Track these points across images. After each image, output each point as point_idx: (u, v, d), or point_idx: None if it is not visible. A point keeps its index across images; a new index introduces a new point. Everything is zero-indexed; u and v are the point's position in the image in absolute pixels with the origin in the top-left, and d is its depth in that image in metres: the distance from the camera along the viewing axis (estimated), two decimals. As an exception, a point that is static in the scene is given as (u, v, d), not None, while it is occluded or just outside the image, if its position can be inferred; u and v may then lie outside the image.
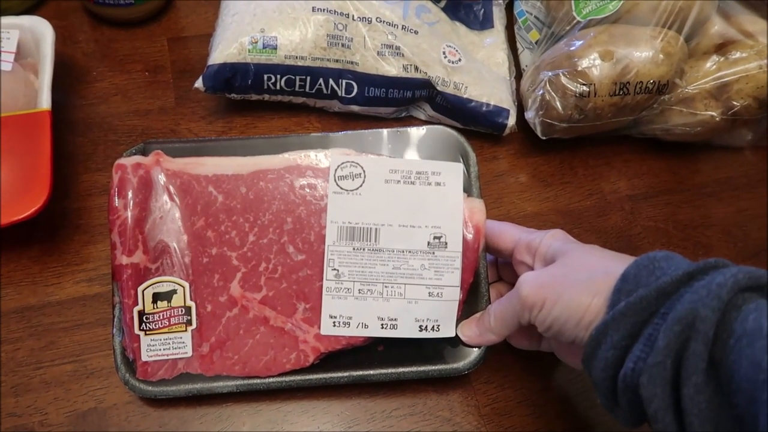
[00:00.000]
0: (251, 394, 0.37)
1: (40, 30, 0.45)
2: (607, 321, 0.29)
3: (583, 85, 0.45)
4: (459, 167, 0.39)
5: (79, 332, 0.39)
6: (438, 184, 0.39)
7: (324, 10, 0.46)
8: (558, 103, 0.46)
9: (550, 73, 0.46)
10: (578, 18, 0.47)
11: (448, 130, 0.41)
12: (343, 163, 0.39)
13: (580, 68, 0.45)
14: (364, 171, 0.39)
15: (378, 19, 0.47)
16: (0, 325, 0.38)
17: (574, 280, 0.32)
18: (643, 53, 0.45)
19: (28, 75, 0.43)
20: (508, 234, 0.38)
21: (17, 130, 0.40)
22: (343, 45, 0.46)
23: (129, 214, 0.37)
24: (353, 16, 0.47)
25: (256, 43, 0.45)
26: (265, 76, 0.46)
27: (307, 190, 0.39)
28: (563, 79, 0.45)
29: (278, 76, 0.46)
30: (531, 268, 0.36)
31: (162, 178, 0.38)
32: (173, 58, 0.52)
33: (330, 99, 0.48)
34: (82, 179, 0.45)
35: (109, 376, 0.37)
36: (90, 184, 0.44)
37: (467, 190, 0.40)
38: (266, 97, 0.48)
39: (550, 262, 0.34)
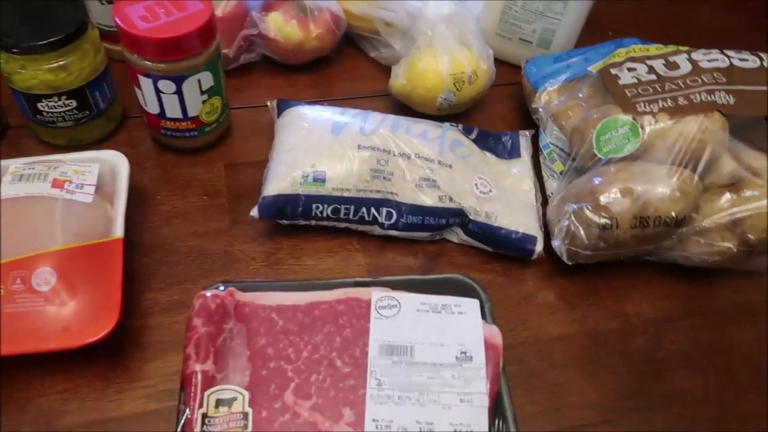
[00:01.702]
0: None
1: (117, 163, 0.51)
2: None
3: (605, 218, 0.49)
4: (476, 301, 0.46)
5: (137, 448, 0.41)
6: (460, 312, 0.46)
7: (368, 147, 0.52)
8: (582, 233, 0.50)
9: (575, 206, 0.50)
10: (599, 155, 0.52)
11: (466, 279, 0.48)
12: (382, 297, 0.46)
13: (602, 203, 0.49)
14: (399, 303, 0.46)
15: (417, 155, 0.52)
16: (65, 439, 0.41)
17: None
18: (660, 190, 0.49)
19: (105, 204, 0.48)
20: None
21: (94, 258, 0.45)
22: (384, 178, 0.51)
23: (204, 330, 0.42)
24: (394, 152, 0.52)
25: (308, 176, 0.50)
26: (314, 206, 0.51)
27: (353, 317, 0.44)
28: (587, 212, 0.49)
29: (325, 206, 0.51)
30: None
31: (233, 306, 0.44)
32: (229, 183, 0.57)
33: (371, 224, 0.52)
34: (144, 297, 0.49)
35: (165, 492, 0.40)
36: (152, 303, 0.48)
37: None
38: (313, 222, 0.52)
39: None
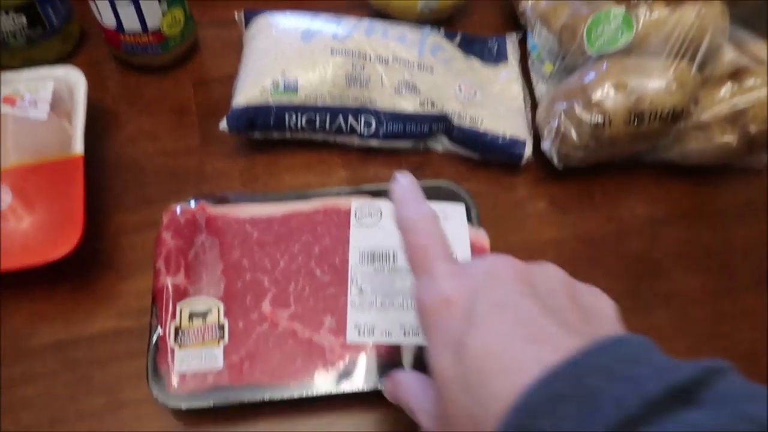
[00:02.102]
0: (280, 410, 0.38)
1: (74, 79, 0.48)
2: None
3: (598, 115, 0.46)
4: (461, 206, 0.45)
5: (111, 365, 0.40)
6: (445, 218, 0.44)
7: (342, 52, 0.48)
8: (574, 133, 0.47)
9: (565, 105, 0.47)
10: (590, 51, 0.48)
11: (451, 185, 0.46)
12: (362, 205, 0.44)
13: (594, 99, 0.46)
14: (380, 210, 0.44)
15: (395, 59, 0.49)
16: (36, 359, 0.40)
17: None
18: (656, 83, 0.46)
19: (63, 122, 0.45)
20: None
21: (52, 175, 0.42)
22: (361, 84, 0.48)
23: (174, 243, 0.40)
24: (370, 56, 0.49)
25: (278, 85, 0.47)
26: (287, 116, 0.48)
27: (332, 226, 0.43)
28: (578, 110, 0.46)
29: (299, 116, 0.48)
30: None
31: (205, 220, 0.42)
32: (198, 100, 0.54)
33: (349, 135, 0.49)
34: (113, 219, 0.46)
35: (141, 407, 0.38)
36: (121, 224, 0.46)
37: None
38: (288, 135, 0.49)
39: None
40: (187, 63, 0.56)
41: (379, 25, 0.51)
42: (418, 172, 0.50)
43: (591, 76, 0.48)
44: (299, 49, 0.48)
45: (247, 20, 0.53)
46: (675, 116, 0.47)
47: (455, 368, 0.23)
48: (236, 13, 0.55)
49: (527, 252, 0.46)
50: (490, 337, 0.23)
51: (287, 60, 0.48)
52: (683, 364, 0.19)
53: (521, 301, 0.24)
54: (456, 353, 0.24)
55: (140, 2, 0.48)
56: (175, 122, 0.52)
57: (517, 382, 0.21)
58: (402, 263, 0.41)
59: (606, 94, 0.46)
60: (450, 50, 0.53)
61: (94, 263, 0.44)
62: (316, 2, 0.63)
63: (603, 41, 0.48)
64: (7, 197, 0.40)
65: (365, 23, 0.51)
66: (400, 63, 0.49)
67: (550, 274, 0.27)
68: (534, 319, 0.23)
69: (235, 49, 0.57)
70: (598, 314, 0.25)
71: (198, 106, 0.53)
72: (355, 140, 0.50)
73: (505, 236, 0.47)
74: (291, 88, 0.47)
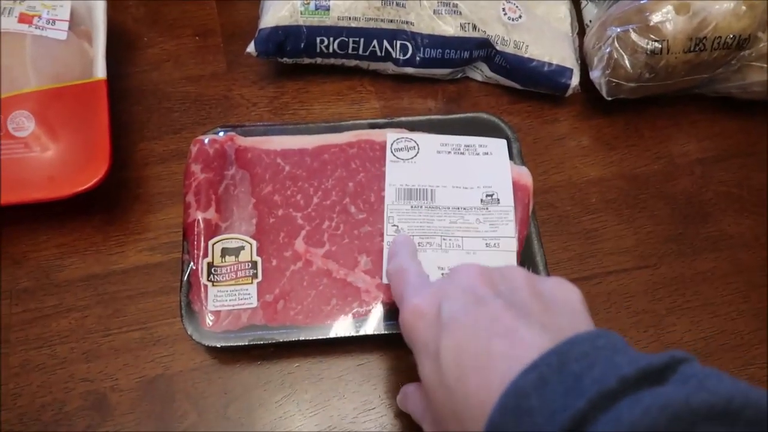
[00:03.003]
0: (315, 349, 0.38)
1: (91, -3, 0.45)
2: None
3: (655, 41, 0.42)
4: (503, 141, 0.42)
5: (144, 300, 0.39)
6: (486, 153, 0.41)
7: (378, -33, 0.44)
8: (627, 62, 0.43)
9: (618, 29, 0.43)
10: (650, -32, 0.44)
11: (492, 117, 0.43)
12: (398, 139, 0.42)
13: (651, 23, 0.42)
14: (417, 144, 0.41)
15: (433, -24, 0.45)
16: (68, 292, 0.39)
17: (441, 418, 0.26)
18: (723, 5, 0.42)
19: (83, 43, 0.43)
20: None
21: (74, 101, 0.40)
22: (397, 4, 0.44)
23: (203, 176, 0.39)
24: (408, -28, 0.45)
25: (308, 4, 0.44)
26: (318, 39, 0.44)
27: (367, 161, 0.41)
28: (633, 35, 0.43)
29: (331, 39, 0.44)
30: None
31: (234, 151, 0.40)
32: (222, 21, 0.51)
33: (384, 61, 0.46)
34: (138, 148, 0.45)
35: (175, 343, 0.38)
36: (147, 153, 0.44)
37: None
38: (318, 60, 0.46)
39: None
40: (209, -19, 0.53)
41: (417, -62, 0.47)
42: (454, 104, 0.48)
43: (650, -3, 0.43)
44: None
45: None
46: (740, 43, 0.43)
47: (435, 373, 0.25)
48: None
49: (569, 191, 0.44)
50: (460, 337, 0.25)
51: (318, -23, 0.44)
52: (653, 354, 0.21)
53: (485, 300, 0.26)
54: (434, 360, 0.25)
55: None
56: (199, 45, 0.49)
57: (491, 377, 0.22)
58: (440, 202, 0.39)
59: (666, 16, 0.42)
60: (493, -33, 0.48)
61: (122, 194, 0.43)
62: None
63: (665, -42, 0.44)
64: (30, 123, 0.38)
65: (402, -64, 0.46)
66: (439, -19, 0.45)
67: (511, 273, 0.28)
68: (499, 315, 0.25)
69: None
70: (563, 304, 0.27)
71: (223, 27, 0.50)
72: (389, 67, 0.47)
73: (545, 174, 0.45)
74: (323, 8, 0.44)
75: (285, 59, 0.46)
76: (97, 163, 0.38)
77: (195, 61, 0.49)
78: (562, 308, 0.26)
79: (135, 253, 0.41)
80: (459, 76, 0.48)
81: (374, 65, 0.47)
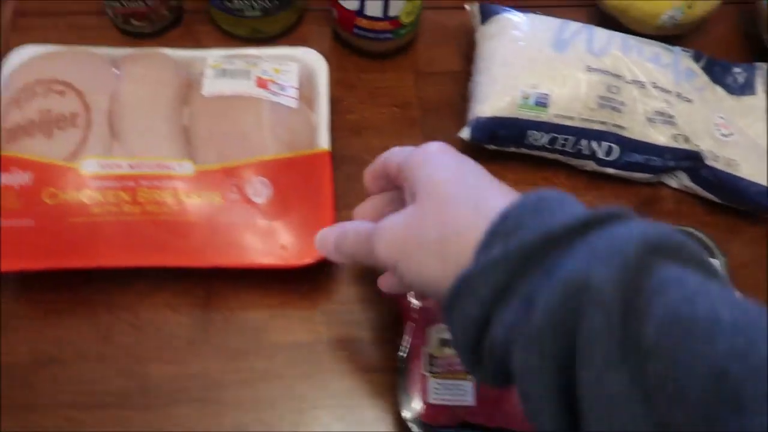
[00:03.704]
0: None
1: (314, 64, 0.46)
2: (474, 271, 0.24)
3: None
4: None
5: (351, 376, 0.40)
6: None
7: (599, 70, 0.45)
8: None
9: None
10: None
11: (700, 235, 0.43)
12: None
13: None
14: None
15: (652, 84, 0.45)
16: (276, 357, 0.40)
17: (423, 239, 0.27)
18: None
19: (308, 111, 0.44)
20: (398, 156, 0.32)
21: (304, 171, 0.41)
22: (613, 108, 0.45)
23: None
24: (627, 78, 0.45)
25: (528, 98, 0.44)
26: (530, 132, 0.45)
27: None
28: None
29: (543, 134, 0.45)
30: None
31: None
32: (419, 94, 0.52)
33: (585, 159, 0.47)
34: (340, 216, 0.45)
35: (382, 422, 0.38)
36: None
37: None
38: (522, 150, 0.47)
39: (416, 200, 0.28)
40: (407, 50, 0.54)
41: (632, 41, 0.47)
42: (646, 207, 0.48)
43: None
44: (551, 60, 0.45)
45: (484, 15, 0.50)
46: None
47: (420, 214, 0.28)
48: (468, 6, 0.51)
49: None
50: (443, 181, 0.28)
51: (538, 71, 0.45)
52: (590, 209, 0.24)
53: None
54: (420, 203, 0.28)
55: (391, -11, 0.46)
56: (397, 116, 0.50)
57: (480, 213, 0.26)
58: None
59: None
60: (701, 77, 0.48)
61: (327, 263, 0.43)
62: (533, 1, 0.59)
63: None
64: (267, 191, 0.39)
65: (619, 38, 0.47)
66: (656, 89, 0.45)
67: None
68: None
69: (455, 40, 0.55)
70: None
71: (419, 101, 0.51)
72: (588, 164, 0.47)
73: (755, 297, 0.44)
74: (541, 104, 0.44)
75: (490, 145, 0.47)
76: (321, 235, 0.39)
77: (393, 131, 0.50)
78: None
79: (341, 325, 0.41)
80: (654, 180, 0.48)
81: (574, 161, 0.47)
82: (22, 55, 0.44)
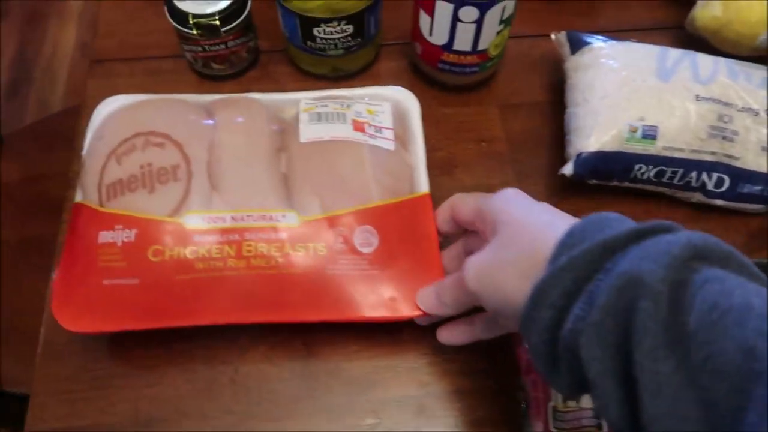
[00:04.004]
0: None
1: (405, 101, 0.45)
2: (546, 278, 0.27)
3: None
4: None
5: (464, 428, 0.38)
6: None
7: (708, 98, 0.43)
8: None
9: None
10: None
11: None
12: None
13: None
14: None
15: (764, 110, 0.43)
16: (384, 411, 0.38)
17: (504, 262, 0.30)
18: None
19: (403, 152, 0.42)
20: (470, 203, 0.37)
21: (408, 216, 0.39)
22: (724, 138, 0.42)
23: None
24: (737, 106, 0.43)
25: (635, 131, 0.42)
26: (636, 166, 0.43)
27: None
28: None
29: (650, 167, 0.43)
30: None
31: None
32: (505, 127, 0.50)
33: (693, 191, 0.44)
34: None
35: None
36: (447, 265, 0.43)
37: None
38: (625, 184, 0.45)
39: (496, 234, 0.32)
40: (491, 82, 0.52)
41: (737, 66, 0.45)
42: (757, 240, 0.45)
43: None
44: (657, 91, 0.43)
45: (573, 44, 0.48)
46: None
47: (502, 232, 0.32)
48: (554, 34, 0.50)
49: None
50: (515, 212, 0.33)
51: (644, 102, 0.43)
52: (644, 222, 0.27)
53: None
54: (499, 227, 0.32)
55: (483, 23, 0.44)
56: (485, 151, 0.49)
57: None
58: None
59: None
60: (808, 100, 0.46)
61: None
62: (611, 20, 0.57)
63: None
64: (375, 240, 0.38)
65: (723, 63, 0.45)
66: (769, 116, 0.43)
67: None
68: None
69: (538, 69, 0.53)
70: None
71: (506, 134, 0.50)
72: (695, 196, 0.45)
73: None
74: (649, 136, 0.42)
75: (592, 181, 0.44)
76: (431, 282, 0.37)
77: (483, 168, 0.48)
78: None
79: (453, 375, 0.39)
80: (764, 211, 0.46)
81: (680, 193, 0.45)
82: (111, 104, 0.43)
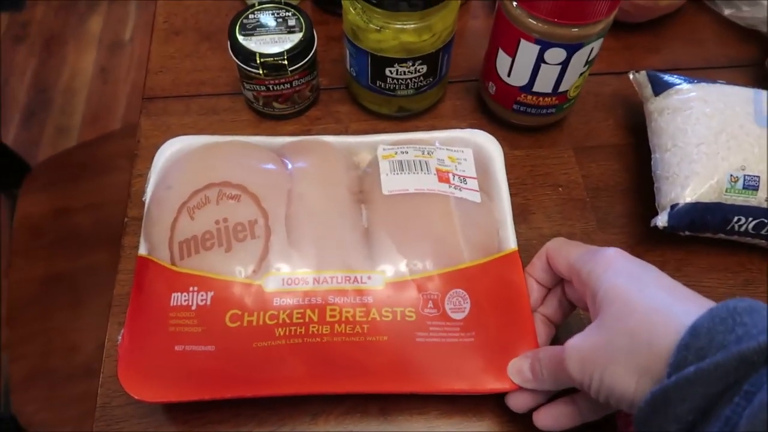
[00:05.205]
0: None
1: (486, 146, 0.42)
2: (670, 386, 0.24)
3: None
4: None
5: None
6: None
7: (812, 145, 0.40)
8: None
9: None
10: None
11: None
12: None
13: None
14: None
15: None
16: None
17: (614, 349, 0.28)
18: None
19: (489, 204, 0.40)
20: (565, 256, 0.34)
21: (498, 277, 0.36)
22: (828, 186, 0.40)
23: None
24: (842, 152, 0.40)
25: (736, 182, 0.40)
26: (735, 218, 0.40)
27: None
28: None
29: (750, 219, 0.40)
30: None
31: None
32: (583, 172, 0.47)
33: (792, 243, 0.41)
34: (523, 316, 0.41)
35: None
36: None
37: None
38: (720, 236, 0.42)
39: (600, 309, 0.29)
40: (563, 123, 0.50)
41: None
42: None
43: None
44: (757, 137, 0.40)
45: (655, 86, 0.45)
46: None
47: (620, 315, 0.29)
48: (632, 74, 0.47)
49: None
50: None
51: (744, 150, 0.40)
52: None
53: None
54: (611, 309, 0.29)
55: (569, 65, 0.41)
56: (563, 197, 0.46)
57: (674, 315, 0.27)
58: None
59: None
60: None
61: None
62: (686, 58, 0.55)
63: None
64: (466, 304, 0.35)
65: (820, 106, 0.42)
66: None
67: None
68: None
69: (612, 109, 0.51)
70: None
71: (584, 179, 0.47)
72: (795, 249, 0.42)
73: None
74: (751, 187, 0.39)
75: (685, 232, 0.42)
76: (526, 350, 0.34)
77: (561, 216, 0.45)
78: None
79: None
80: None
81: (777, 245, 0.42)
82: (174, 146, 0.40)
